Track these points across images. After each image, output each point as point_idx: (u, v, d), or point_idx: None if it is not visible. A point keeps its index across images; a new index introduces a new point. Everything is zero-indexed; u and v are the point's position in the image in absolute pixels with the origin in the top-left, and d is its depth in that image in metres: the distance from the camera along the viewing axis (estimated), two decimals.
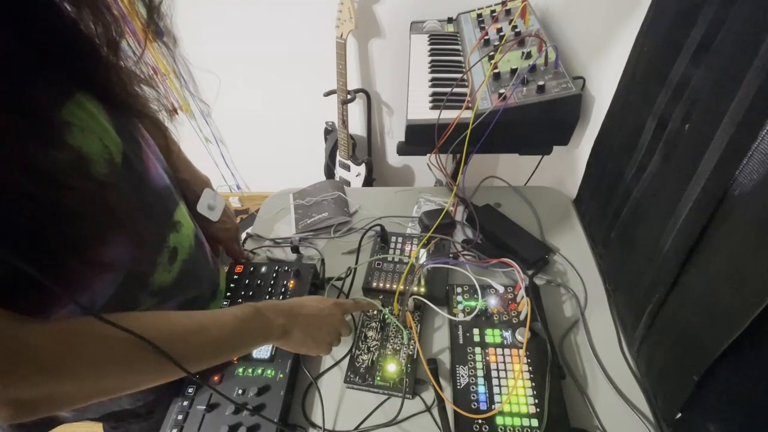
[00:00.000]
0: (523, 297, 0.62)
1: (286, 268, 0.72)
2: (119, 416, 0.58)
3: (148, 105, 0.50)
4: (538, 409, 0.53)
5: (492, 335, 0.62)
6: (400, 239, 0.78)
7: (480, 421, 0.53)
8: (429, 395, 0.59)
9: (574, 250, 0.77)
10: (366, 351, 0.61)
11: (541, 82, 0.77)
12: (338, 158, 1.66)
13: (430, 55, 1.09)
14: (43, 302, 0.35)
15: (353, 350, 0.62)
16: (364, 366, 0.60)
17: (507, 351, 0.60)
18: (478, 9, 1.18)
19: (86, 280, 0.38)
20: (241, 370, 0.59)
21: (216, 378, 0.59)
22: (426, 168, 0.92)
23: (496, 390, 0.56)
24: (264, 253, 0.82)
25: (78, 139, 0.36)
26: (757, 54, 0.38)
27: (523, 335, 0.59)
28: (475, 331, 0.62)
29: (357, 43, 1.45)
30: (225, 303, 0.67)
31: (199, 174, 0.69)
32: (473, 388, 0.56)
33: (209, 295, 0.63)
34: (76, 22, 0.37)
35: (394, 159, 1.83)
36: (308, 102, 1.63)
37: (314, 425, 0.57)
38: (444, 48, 1.12)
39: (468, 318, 0.63)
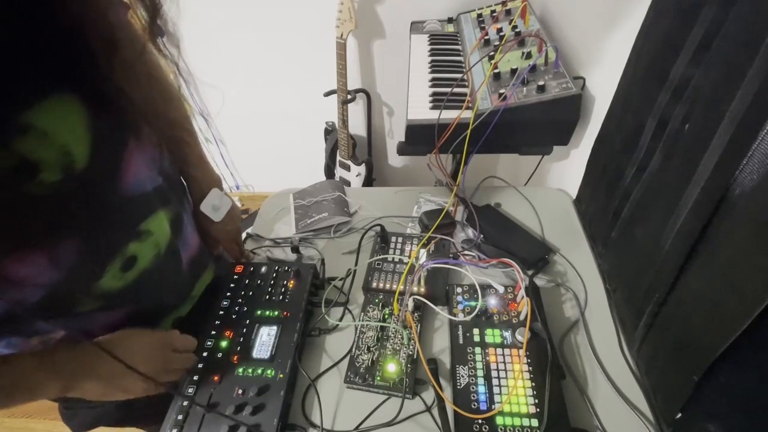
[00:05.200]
0: (523, 297, 0.62)
1: (286, 268, 0.72)
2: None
3: (154, 101, 0.49)
4: (538, 409, 0.53)
5: (492, 335, 0.62)
6: (400, 239, 0.78)
7: (480, 421, 0.53)
8: (429, 395, 0.59)
9: (574, 250, 0.77)
10: (366, 351, 0.61)
11: (541, 82, 0.77)
12: (338, 158, 1.66)
13: (430, 55, 1.09)
14: None
15: (353, 350, 0.62)
16: (364, 366, 0.60)
17: (507, 351, 0.60)
18: (478, 9, 1.18)
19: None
20: (241, 370, 0.59)
21: (216, 378, 0.58)
22: (426, 168, 0.92)
23: (496, 390, 0.56)
24: (264, 253, 0.82)
25: (29, 145, 0.35)
26: (757, 54, 0.38)
27: (523, 335, 0.59)
28: (475, 331, 0.62)
29: (357, 43, 1.45)
30: (225, 303, 0.67)
31: (212, 173, 0.69)
32: (473, 388, 0.56)
33: (172, 304, 0.62)
34: (65, 18, 0.35)
35: (394, 159, 1.83)
36: (308, 102, 1.63)
37: (314, 425, 0.57)
38: (444, 48, 1.12)
39: (468, 318, 0.63)
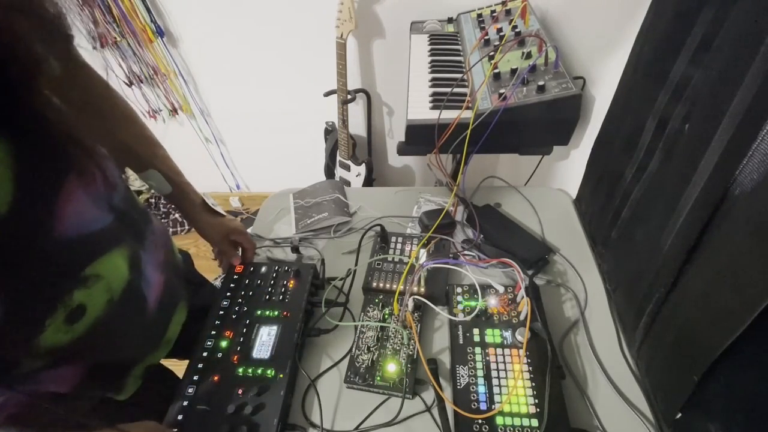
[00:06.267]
0: (523, 297, 0.62)
1: (286, 268, 0.72)
2: None
3: (99, 129, 0.46)
4: (538, 409, 0.53)
5: (492, 335, 0.62)
6: (400, 239, 0.78)
7: (480, 421, 0.53)
8: (429, 395, 0.59)
9: (574, 250, 0.77)
10: (366, 351, 0.61)
11: (541, 82, 0.77)
12: (338, 158, 1.66)
13: (430, 55, 1.09)
14: None
15: (353, 350, 0.62)
16: (364, 366, 0.60)
17: (507, 351, 0.60)
18: (478, 9, 1.18)
19: None
20: (241, 370, 0.59)
21: (216, 378, 0.59)
22: (426, 168, 0.92)
23: (496, 390, 0.56)
24: (264, 253, 0.82)
25: None
26: (757, 54, 0.38)
27: (523, 335, 0.59)
28: (475, 331, 0.62)
29: (357, 43, 1.45)
30: (225, 303, 0.67)
31: None
32: (473, 388, 0.56)
33: (142, 351, 0.57)
34: None
35: (394, 159, 1.83)
36: (308, 102, 1.63)
37: (314, 425, 0.57)
38: (444, 48, 1.12)
39: (468, 318, 0.63)
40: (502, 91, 0.81)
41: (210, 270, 0.82)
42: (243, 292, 0.69)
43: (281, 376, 0.58)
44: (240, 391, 0.57)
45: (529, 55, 0.86)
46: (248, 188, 2.10)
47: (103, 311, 0.46)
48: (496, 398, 0.55)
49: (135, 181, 1.69)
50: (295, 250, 0.78)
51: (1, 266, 0.36)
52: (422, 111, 0.88)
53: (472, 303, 0.66)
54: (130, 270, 0.50)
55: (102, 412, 0.55)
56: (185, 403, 0.56)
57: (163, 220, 1.94)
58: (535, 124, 0.81)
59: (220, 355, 0.61)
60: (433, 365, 0.59)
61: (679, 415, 0.49)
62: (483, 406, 0.55)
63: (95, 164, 0.45)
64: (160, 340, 0.59)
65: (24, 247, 0.38)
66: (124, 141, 0.60)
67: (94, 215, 0.45)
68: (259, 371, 0.59)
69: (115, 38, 1.42)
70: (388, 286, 0.70)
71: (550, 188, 0.94)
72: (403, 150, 0.90)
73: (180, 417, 0.55)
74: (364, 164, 1.61)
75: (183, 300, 0.65)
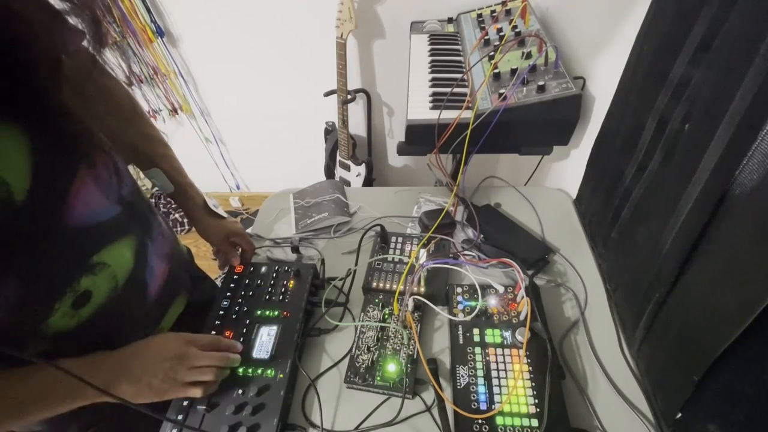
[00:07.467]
0: (523, 297, 0.62)
1: (286, 268, 0.72)
2: None
3: (111, 124, 0.47)
4: (538, 409, 0.53)
5: (492, 335, 0.62)
6: (400, 239, 0.78)
7: (480, 421, 0.53)
8: (429, 395, 0.59)
9: (574, 250, 0.77)
10: (366, 351, 0.61)
11: (541, 82, 0.77)
12: (338, 158, 1.66)
13: (431, 55, 1.09)
14: None
15: (353, 350, 0.62)
16: (364, 366, 0.60)
17: (507, 351, 0.60)
18: (478, 9, 1.18)
19: None
20: (241, 370, 0.59)
21: None
22: (426, 168, 0.92)
23: (496, 390, 0.56)
24: (264, 253, 0.82)
25: None
26: (757, 54, 0.38)
27: (523, 335, 0.59)
28: (475, 331, 0.62)
29: (357, 43, 1.45)
30: (225, 303, 0.67)
31: None
32: (473, 388, 0.56)
33: (137, 338, 0.56)
34: (3, 41, 0.32)
35: (394, 159, 1.83)
36: (308, 102, 1.63)
37: (314, 425, 0.57)
38: (444, 48, 1.12)
39: (468, 318, 0.63)
40: (502, 91, 0.81)
41: (210, 270, 0.83)
42: (243, 292, 0.69)
43: (281, 376, 0.58)
44: (240, 391, 0.57)
45: (529, 55, 0.86)
46: (248, 188, 2.10)
47: (106, 298, 0.48)
48: (496, 398, 0.55)
49: (137, 181, 1.69)
50: (295, 250, 0.78)
51: (16, 251, 0.38)
52: (422, 111, 0.88)
53: (472, 303, 0.66)
54: (135, 259, 0.52)
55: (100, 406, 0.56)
56: (185, 403, 0.56)
57: None
58: (535, 124, 0.81)
59: None
60: (433, 365, 0.59)
61: (679, 415, 0.49)
62: (483, 406, 0.55)
63: (106, 157, 0.47)
64: (153, 329, 0.60)
65: (38, 233, 0.40)
66: (131, 138, 0.62)
67: (103, 206, 0.47)
68: (259, 371, 0.59)
69: (115, 38, 1.42)
70: (388, 286, 0.70)
71: (550, 188, 0.94)
72: (403, 150, 0.90)
73: (180, 417, 0.55)
74: (364, 164, 1.61)
75: (184, 291, 0.66)
